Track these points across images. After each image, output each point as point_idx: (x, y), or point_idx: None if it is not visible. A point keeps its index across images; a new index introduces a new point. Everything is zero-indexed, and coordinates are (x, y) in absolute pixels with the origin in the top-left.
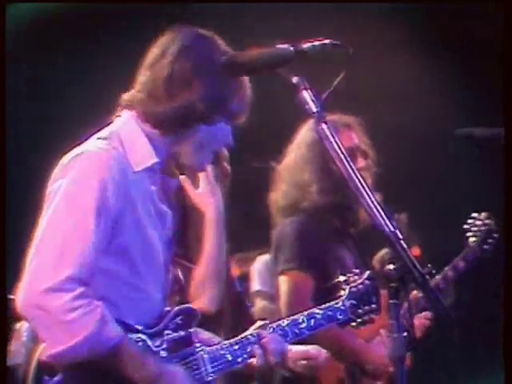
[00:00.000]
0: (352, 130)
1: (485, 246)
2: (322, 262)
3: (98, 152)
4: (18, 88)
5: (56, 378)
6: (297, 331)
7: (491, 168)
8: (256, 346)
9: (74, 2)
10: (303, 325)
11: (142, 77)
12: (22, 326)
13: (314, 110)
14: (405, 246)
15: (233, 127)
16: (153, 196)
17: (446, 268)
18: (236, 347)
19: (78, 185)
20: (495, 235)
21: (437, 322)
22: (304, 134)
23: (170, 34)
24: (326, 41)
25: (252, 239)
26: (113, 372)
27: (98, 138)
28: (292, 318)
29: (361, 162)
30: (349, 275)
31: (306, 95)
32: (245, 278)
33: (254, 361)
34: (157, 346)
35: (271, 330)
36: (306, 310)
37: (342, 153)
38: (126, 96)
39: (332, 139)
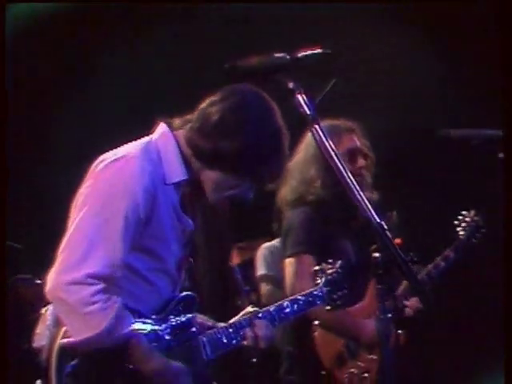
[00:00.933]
0: (354, 133)
1: (473, 240)
2: (326, 248)
3: (136, 159)
4: (18, 87)
5: (73, 362)
6: (282, 315)
7: (480, 169)
8: (247, 330)
9: (74, 2)
10: (288, 310)
11: (200, 111)
12: (47, 311)
13: (308, 112)
14: (389, 235)
15: (257, 187)
16: (177, 206)
17: (438, 258)
18: (231, 330)
19: (114, 187)
20: (482, 230)
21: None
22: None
23: (237, 85)
24: (318, 50)
25: (253, 229)
26: (122, 363)
27: (138, 146)
28: (278, 303)
29: (361, 163)
30: (323, 264)
31: (301, 99)
32: (246, 266)
33: (246, 343)
34: (162, 331)
35: (260, 315)
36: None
37: (333, 150)
38: (178, 120)
39: (324, 138)
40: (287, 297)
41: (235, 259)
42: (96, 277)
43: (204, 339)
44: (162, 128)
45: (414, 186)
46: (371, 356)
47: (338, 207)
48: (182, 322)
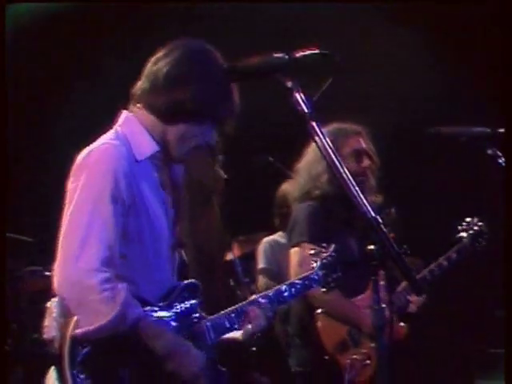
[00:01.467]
0: (360, 136)
1: (476, 244)
2: (329, 241)
3: (106, 147)
4: (18, 88)
5: (85, 350)
6: (281, 299)
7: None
8: (247, 314)
9: (74, 2)
10: (286, 293)
11: (148, 70)
12: (52, 304)
13: (306, 110)
14: (384, 229)
15: (219, 131)
16: (156, 182)
17: (441, 258)
18: (233, 315)
19: (92, 177)
20: (485, 236)
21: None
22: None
23: (177, 40)
24: (317, 50)
25: (252, 223)
26: (135, 345)
27: (110, 135)
28: (276, 287)
29: (366, 163)
30: (318, 249)
31: (299, 97)
32: (247, 258)
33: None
34: (167, 317)
35: (260, 299)
36: None
37: (330, 147)
38: (134, 88)
39: (321, 135)
40: None
41: (236, 252)
42: (98, 260)
43: (208, 324)
44: (123, 114)
45: (413, 186)
46: (373, 344)
47: (342, 204)
48: (186, 309)
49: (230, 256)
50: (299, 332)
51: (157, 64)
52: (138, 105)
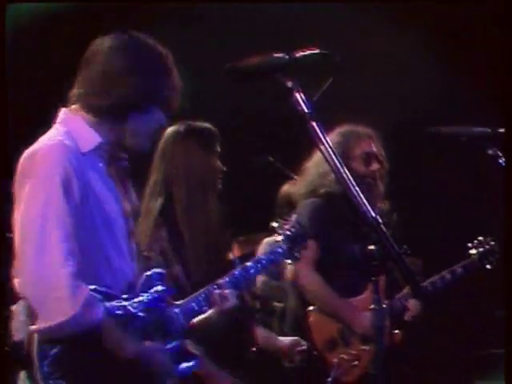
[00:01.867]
0: (372, 139)
1: (485, 261)
2: (332, 238)
3: (51, 145)
4: (18, 88)
5: (55, 350)
6: (248, 276)
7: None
8: (215, 295)
9: (74, 2)
10: (252, 270)
11: (81, 73)
12: (18, 306)
13: (306, 110)
14: (384, 229)
15: (167, 112)
16: (104, 173)
17: (445, 271)
18: (200, 298)
19: (40, 180)
20: (496, 256)
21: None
22: (332, 136)
23: (103, 36)
24: (317, 50)
25: (252, 223)
26: (98, 348)
27: (52, 133)
28: (242, 265)
29: (375, 166)
30: (280, 221)
31: (299, 97)
32: (246, 258)
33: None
34: (135, 308)
35: (227, 279)
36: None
37: (330, 147)
38: (70, 93)
39: (321, 136)
40: (280, 286)
41: (236, 252)
42: (61, 254)
43: (176, 310)
44: (62, 112)
45: (413, 186)
46: (364, 347)
47: (348, 203)
48: (153, 298)
49: (230, 256)
50: (293, 327)
51: (88, 66)
52: (75, 106)
